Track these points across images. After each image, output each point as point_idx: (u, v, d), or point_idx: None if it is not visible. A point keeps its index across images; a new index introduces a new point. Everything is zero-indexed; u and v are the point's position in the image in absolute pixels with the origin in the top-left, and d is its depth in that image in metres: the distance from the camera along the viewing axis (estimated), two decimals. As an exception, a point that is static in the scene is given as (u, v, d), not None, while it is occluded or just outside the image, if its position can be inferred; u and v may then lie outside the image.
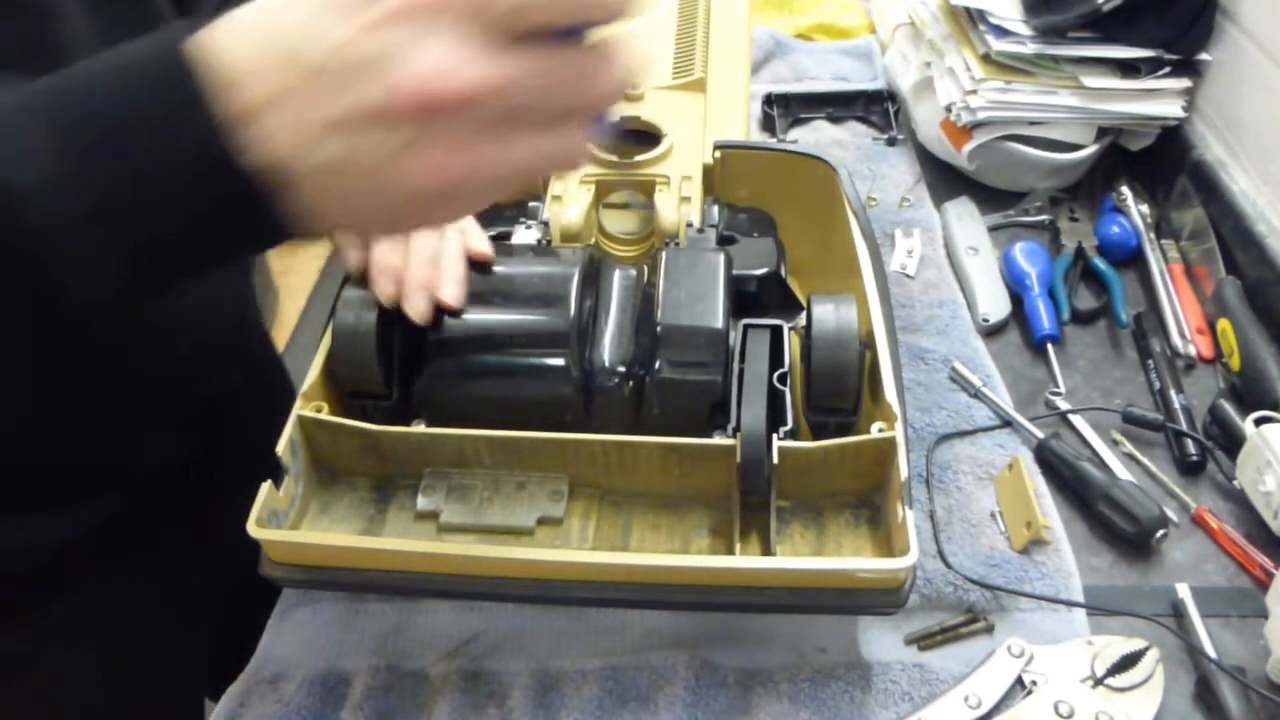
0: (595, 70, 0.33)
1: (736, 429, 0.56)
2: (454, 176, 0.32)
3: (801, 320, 0.67)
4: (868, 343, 0.59)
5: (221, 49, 0.31)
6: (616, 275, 0.62)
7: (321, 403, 0.59)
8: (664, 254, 0.62)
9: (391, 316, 0.58)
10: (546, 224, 0.68)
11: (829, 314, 0.58)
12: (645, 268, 0.64)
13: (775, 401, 0.57)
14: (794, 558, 0.55)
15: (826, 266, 0.74)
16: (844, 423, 0.59)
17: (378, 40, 0.30)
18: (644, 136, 0.74)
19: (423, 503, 0.59)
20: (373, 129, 0.31)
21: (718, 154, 0.73)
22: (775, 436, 0.55)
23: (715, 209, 0.70)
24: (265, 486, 0.55)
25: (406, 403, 0.61)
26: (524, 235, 0.66)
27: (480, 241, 0.60)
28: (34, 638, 0.65)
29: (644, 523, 0.59)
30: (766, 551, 0.55)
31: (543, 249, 0.65)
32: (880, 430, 0.56)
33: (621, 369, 0.59)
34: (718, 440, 0.56)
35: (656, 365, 0.58)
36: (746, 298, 0.65)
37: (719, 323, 0.58)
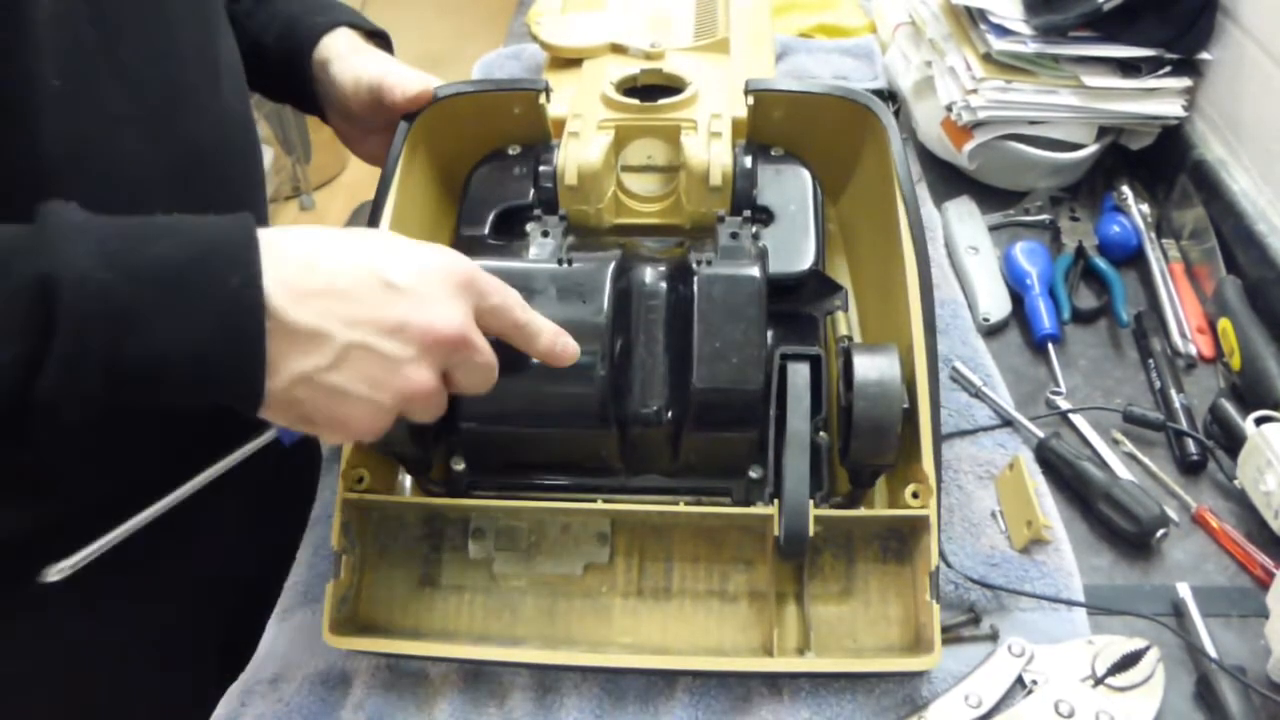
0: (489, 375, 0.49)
1: (774, 495, 0.56)
2: (425, 389, 0.46)
3: (838, 302, 0.67)
4: (909, 407, 0.57)
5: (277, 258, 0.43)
6: (645, 291, 0.60)
7: (362, 470, 0.59)
8: (695, 278, 0.58)
9: None
10: (565, 220, 0.64)
11: (870, 370, 0.55)
12: (674, 264, 0.61)
13: (812, 450, 0.57)
14: (828, 659, 0.57)
15: (865, 230, 0.71)
16: (880, 470, 0.59)
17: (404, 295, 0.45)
18: (667, 93, 0.71)
19: (474, 550, 0.60)
20: (390, 338, 0.44)
21: (750, 99, 0.69)
22: (811, 503, 0.55)
23: (748, 159, 0.67)
24: (329, 587, 0.57)
25: (442, 440, 0.61)
26: (541, 245, 0.62)
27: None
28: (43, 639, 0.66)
29: (684, 554, 0.60)
30: (799, 589, 0.58)
31: (564, 273, 0.58)
32: (915, 496, 0.56)
33: (655, 408, 0.58)
34: (758, 510, 0.57)
35: (692, 422, 0.57)
36: (784, 290, 0.64)
37: (758, 383, 0.56)
